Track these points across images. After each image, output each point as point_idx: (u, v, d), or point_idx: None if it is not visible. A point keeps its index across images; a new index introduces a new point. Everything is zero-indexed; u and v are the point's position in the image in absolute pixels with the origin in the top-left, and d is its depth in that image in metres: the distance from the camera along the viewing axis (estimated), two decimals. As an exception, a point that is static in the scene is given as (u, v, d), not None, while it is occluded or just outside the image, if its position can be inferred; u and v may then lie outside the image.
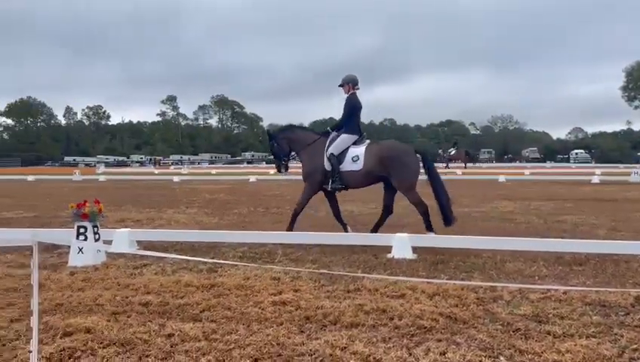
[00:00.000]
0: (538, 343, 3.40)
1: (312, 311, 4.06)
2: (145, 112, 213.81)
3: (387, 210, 7.54)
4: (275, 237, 6.99)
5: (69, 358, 3.19)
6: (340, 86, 7.63)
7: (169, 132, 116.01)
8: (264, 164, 67.86)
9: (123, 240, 6.51)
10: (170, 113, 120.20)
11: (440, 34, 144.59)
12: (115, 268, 5.63)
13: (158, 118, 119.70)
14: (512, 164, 64.43)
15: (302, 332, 3.65)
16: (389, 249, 6.31)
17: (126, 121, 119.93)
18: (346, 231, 7.54)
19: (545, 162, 70.31)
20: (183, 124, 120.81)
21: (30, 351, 2.71)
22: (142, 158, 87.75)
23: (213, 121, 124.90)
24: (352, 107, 7.51)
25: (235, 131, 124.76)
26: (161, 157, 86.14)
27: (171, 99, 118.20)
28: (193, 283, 4.96)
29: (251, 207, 12.29)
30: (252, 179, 25.67)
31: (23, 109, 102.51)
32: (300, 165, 7.82)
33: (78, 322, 3.75)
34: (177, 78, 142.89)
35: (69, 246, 5.97)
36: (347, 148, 7.37)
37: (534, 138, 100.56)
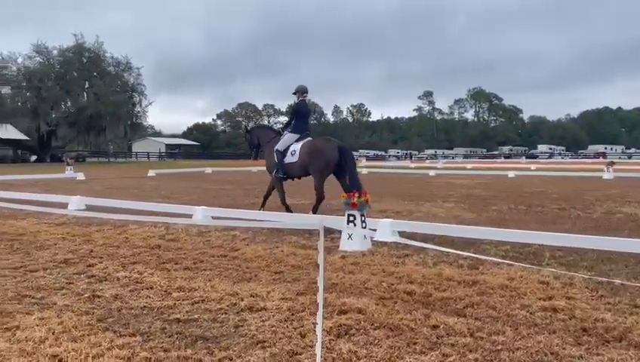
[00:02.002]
0: None
1: (589, 323, 3.63)
2: (402, 108, 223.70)
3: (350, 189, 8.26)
4: (543, 238, 6.45)
5: (345, 334, 3.51)
6: (293, 93, 9.39)
7: (424, 126, 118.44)
8: (524, 159, 63.38)
9: (386, 229, 6.88)
10: (426, 108, 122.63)
11: None
12: (379, 256, 5.99)
13: (414, 114, 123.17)
14: None
15: (579, 344, 3.29)
16: (690, 261, 5.25)
17: (384, 117, 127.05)
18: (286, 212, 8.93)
19: None
20: (438, 118, 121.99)
21: (315, 324, 3.07)
22: (398, 153, 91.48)
23: (469, 115, 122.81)
24: (297, 112, 9.30)
25: (492, 124, 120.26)
26: (416, 152, 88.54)
27: (427, 95, 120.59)
28: (454, 277, 4.94)
29: (511, 204, 11.66)
30: (511, 174, 24.34)
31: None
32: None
33: (351, 302, 4.11)
34: (434, 74, 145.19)
35: (340, 232, 6.58)
36: (290, 145, 8.92)
37: None
